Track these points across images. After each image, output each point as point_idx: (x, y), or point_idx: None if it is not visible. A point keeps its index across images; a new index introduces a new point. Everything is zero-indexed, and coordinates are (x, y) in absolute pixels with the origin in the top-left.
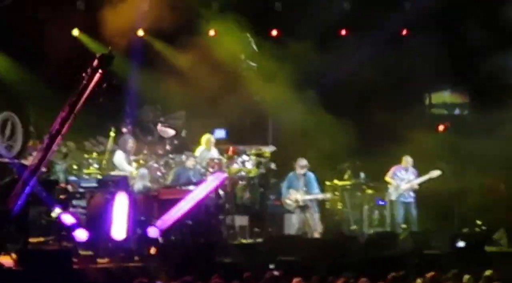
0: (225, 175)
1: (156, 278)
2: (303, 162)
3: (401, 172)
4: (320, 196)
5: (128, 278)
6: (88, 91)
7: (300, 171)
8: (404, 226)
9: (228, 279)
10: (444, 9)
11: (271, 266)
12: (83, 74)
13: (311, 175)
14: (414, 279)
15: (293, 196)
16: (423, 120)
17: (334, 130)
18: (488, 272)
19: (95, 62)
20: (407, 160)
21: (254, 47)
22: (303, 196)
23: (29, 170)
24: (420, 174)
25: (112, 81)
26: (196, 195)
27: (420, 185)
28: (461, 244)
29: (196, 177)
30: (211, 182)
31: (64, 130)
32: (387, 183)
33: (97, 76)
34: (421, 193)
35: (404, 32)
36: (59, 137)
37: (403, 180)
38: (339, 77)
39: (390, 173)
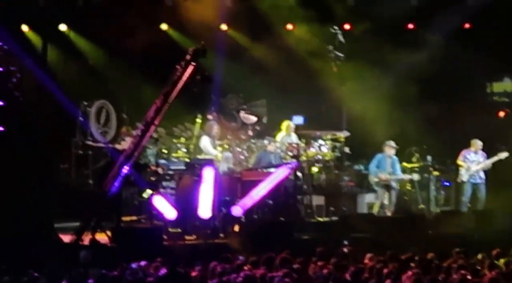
0: (295, 163)
1: (239, 253)
2: (393, 144)
3: (470, 154)
4: (410, 177)
5: (214, 254)
6: (182, 82)
7: (389, 153)
8: (469, 205)
9: (305, 253)
10: (504, 2)
11: (345, 242)
12: (177, 66)
13: (395, 158)
14: (476, 254)
15: (383, 176)
16: (485, 107)
17: (404, 117)
18: None
19: (189, 55)
20: (477, 143)
21: (341, 38)
22: (391, 176)
23: (125, 154)
24: (488, 156)
25: (204, 73)
26: (272, 179)
27: (489, 166)
28: None
29: (277, 160)
30: (283, 171)
31: (158, 118)
32: (458, 165)
33: (190, 68)
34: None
35: (467, 25)
36: (154, 124)
37: (473, 161)
38: (408, 68)
39: (460, 156)
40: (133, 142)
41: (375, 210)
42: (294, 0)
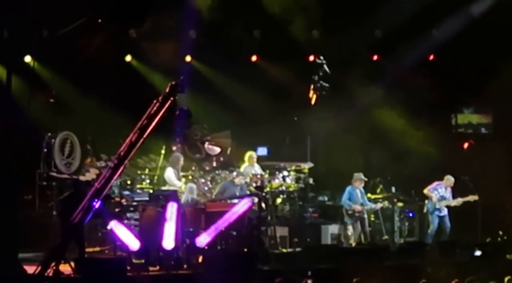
0: (252, 202)
1: None
2: (363, 177)
3: (442, 188)
4: (381, 205)
5: None
6: (158, 117)
7: (359, 185)
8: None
9: None
10: (468, 35)
11: (309, 273)
12: (154, 101)
13: (363, 189)
14: None
15: (357, 207)
16: (449, 139)
17: (368, 148)
18: (507, 278)
19: (167, 90)
20: (450, 180)
21: (327, 69)
22: (364, 207)
23: (95, 188)
24: (456, 194)
25: (183, 108)
26: (235, 211)
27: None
28: (477, 253)
29: (242, 193)
30: (243, 206)
31: (132, 152)
32: (426, 195)
33: (168, 103)
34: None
35: (432, 57)
36: (127, 159)
37: (442, 196)
38: (371, 100)
39: (430, 187)
40: (105, 175)
41: (351, 241)
42: (260, 32)
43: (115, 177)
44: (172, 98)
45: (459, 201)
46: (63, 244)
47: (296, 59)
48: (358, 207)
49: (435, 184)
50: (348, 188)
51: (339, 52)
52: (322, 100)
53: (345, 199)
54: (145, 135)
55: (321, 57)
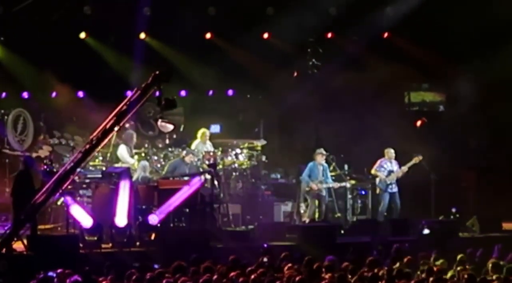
0: (201, 181)
1: (155, 261)
2: (323, 151)
3: (386, 163)
4: (341, 184)
5: (130, 262)
6: (139, 106)
7: (321, 161)
8: (385, 214)
9: (221, 262)
10: (423, 12)
11: (261, 251)
12: (136, 88)
13: (326, 165)
14: (393, 262)
15: (314, 185)
16: (402, 117)
17: (320, 126)
18: (459, 256)
19: (150, 79)
20: (390, 152)
21: (319, 49)
22: (323, 184)
23: (64, 170)
24: (402, 163)
25: (169, 98)
26: (184, 191)
27: (405, 172)
28: (426, 231)
29: (192, 171)
30: (194, 184)
31: (106, 139)
32: (374, 175)
33: (151, 92)
34: (401, 183)
35: (386, 35)
36: (100, 145)
37: (389, 171)
38: (325, 76)
39: (376, 166)
40: (74, 159)
41: (304, 218)
42: (214, 9)
43: (86, 162)
44: (156, 88)
45: (404, 169)
46: (18, 223)
47: (251, 37)
48: (314, 186)
49: (379, 161)
50: (310, 164)
51: (293, 30)
52: (273, 78)
53: (305, 176)
54: (121, 124)
55: (311, 39)
